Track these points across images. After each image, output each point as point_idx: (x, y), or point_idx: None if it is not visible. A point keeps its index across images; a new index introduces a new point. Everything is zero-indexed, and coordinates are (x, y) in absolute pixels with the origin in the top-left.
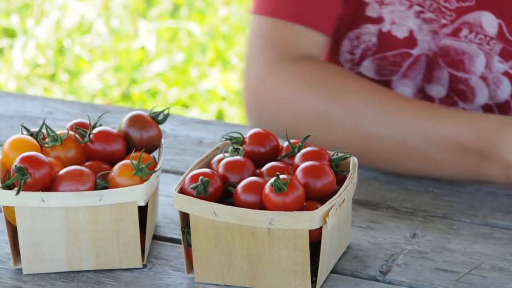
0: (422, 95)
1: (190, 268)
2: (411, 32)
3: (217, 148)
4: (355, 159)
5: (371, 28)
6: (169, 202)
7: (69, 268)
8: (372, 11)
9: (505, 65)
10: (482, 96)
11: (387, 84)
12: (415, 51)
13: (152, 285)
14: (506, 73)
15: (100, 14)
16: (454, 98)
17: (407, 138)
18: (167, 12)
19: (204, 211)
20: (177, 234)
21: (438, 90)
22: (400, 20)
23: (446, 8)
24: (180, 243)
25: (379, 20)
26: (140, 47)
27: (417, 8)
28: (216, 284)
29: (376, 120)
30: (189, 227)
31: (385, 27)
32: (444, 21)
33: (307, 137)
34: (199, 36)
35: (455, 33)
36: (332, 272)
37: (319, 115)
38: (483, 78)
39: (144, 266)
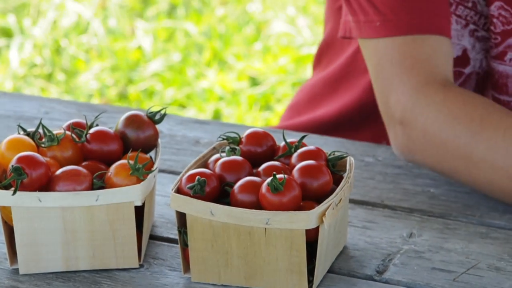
0: None
1: (186, 268)
2: (464, 51)
3: (214, 148)
4: (352, 158)
5: None
6: (166, 202)
7: (66, 268)
8: None
9: None
10: None
11: None
12: (467, 70)
13: (148, 285)
14: None
15: (96, 14)
16: None
17: None
18: (164, 12)
19: (201, 211)
20: (174, 234)
21: None
22: (455, 39)
23: (491, 32)
24: (177, 243)
25: None
26: (137, 47)
27: (472, 26)
28: (213, 284)
29: None
30: (186, 227)
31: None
32: (494, 41)
33: (304, 136)
34: (195, 36)
35: (500, 57)
36: (328, 271)
37: (466, 150)
38: None
39: (141, 266)
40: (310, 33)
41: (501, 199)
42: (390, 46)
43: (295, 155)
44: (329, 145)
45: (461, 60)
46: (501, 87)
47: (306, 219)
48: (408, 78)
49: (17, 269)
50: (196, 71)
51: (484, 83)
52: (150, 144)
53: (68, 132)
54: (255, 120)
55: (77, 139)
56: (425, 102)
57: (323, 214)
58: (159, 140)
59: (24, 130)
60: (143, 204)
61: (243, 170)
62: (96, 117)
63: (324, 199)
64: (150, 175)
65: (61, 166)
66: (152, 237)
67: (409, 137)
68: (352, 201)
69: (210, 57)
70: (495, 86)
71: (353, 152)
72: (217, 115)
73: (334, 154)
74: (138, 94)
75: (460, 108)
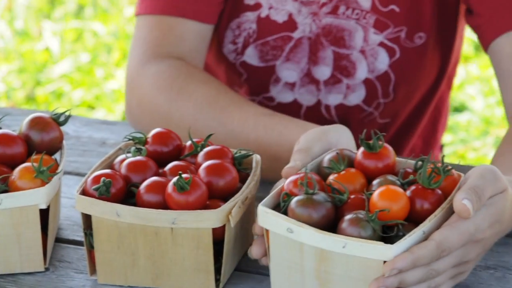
0: (308, 78)
1: (93, 270)
2: (290, 16)
3: (120, 148)
4: (258, 156)
5: (250, 16)
6: (72, 204)
7: None
8: None
9: (380, 36)
10: (362, 70)
11: (271, 69)
12: (296, 34)
13: None
14: (381, 44)
15: (3, 15)
16: (338, 76)
17: (229, 143)
18: (72, 12)
19: (107, 212)
20: (80, 236)
21: (323, 71)
22: (278, 5)
23: None
24: (83, 245)
25: (256, 6)
26: (45, 48)
27: None
28: (120, 286)
29: (206, 127)
30: (91, 229)
31: (264, 13)
32: (323, 0)
33: (209, 135)
34: (104, 37)
35: (334, 11)
36: (236, 270)
37: (164, 117)
38: (362, 52)
39: (47, 269)
40: None
41: None
42: (143, 23)
43: (201, 154)
44: None
45: (288, 25)
46: (339, 41)
47: (212, 217)
48: (140, 51)
49: None
50: (105, 71)
51: (316, 46)
52: (55, 146)
53: None
54: None
55: None
56: (143, 73)
57: (229, 212)
58: (64, 142)
59: None
60: (48, 206)
61: (149, 170)
62: None
63: (231, 198)
64: (55, 178)
65: None
66: (58, 239)
67: (131, 104)
68: (259, 198)
69: (119, 58)
70: (334, 41)
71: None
72: None
73: (240, 152)
74: (46, 96)
75: (165, 79)
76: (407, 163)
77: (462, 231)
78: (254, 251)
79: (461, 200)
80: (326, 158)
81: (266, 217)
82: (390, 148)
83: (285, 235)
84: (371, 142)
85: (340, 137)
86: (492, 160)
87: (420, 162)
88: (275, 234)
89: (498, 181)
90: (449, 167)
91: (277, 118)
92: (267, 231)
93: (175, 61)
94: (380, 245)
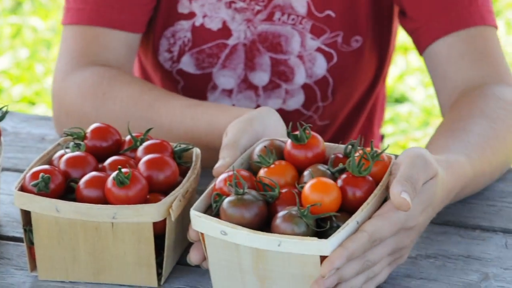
0: (246, 84)
1: (33, 266)
2: (224, 23)
3: (59, 144)
4: (198, 150)
5: (184, 24)
6: (11, 201)
7: None
8: (182, 7)
9: (317, 41)
10: (300, 74)
11: (208, 76)
12: (231, 41)
13: None
14: (319, 49)
15: None
16: (276, 81)
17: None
18: (10, 8)
19: (46, 208)
20: (19, 232)
21: (261, 77)
22: (211, 13)
23: None
24: (23, 242)
25: (191, 15)
26: None
27: None
28: (61, 281)
29: (136, 127)
30: (31, 225)
31: (198, 21)
32: (258, 8)
33: (149, 130)
34: (43, 32)
35: (269, 18)
36: (178, 263)
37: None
38: (300, 57)
39: None
40: None
41: None
42: (68, 33)
43: (140, 148)
44: None
45: (222, 32)
46: (275, 47)
47: (152, 212)
48: (65, 61)
49: None
50: (45, 67)
51: (252, 52)
52: None
53: None
54: None
55: None
56: (68, 83)
57: (170, 206)
58: (2, 138)
59: None
60: None
61: (88, 165)
62: None
63: (171, 191)
64: None
65: None
66: None
67: (59, 115)
68: (200, 192)
69: None
70: (271, 48)
71: None
72: None
73: (180, 146)
74: None
75: (89, 87)
76: (337, 148)
77: (393, 221)
78: (193, 257)
79: (399, 193)
80: (256, 150)
81: (199, 221)
82: (318, 136)
83: (220, 238)
84: (298, 133)
85: (266, 124)
86: (428, 143)
87: (350, 147)
88: (210, 236)
89: (429, 167)
90: (378, 151)
91: (203, 107)
92: (202, 233)
93: (99, 67)
94: (315, 241)
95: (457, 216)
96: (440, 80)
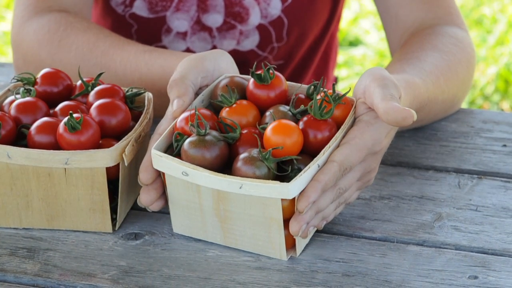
0: (199, 26)
1: None
2: None
3: (8, 90)
4: (150, 94)
5: None
6: None
7: None
8: None
9: None
10: (255, 15)
11: (161, 20)
12: None
13: None
14: None
15: None
16: (231, 22)
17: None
18: None
19: None
20: None
21: (215, 18)
22: None
23: None
24: None
25: None
26: None
27: None
28: (14, 228)
29: (90, 73)
30: None
31: None
32: None
33: (100, 74)
34: None
35: None
36: (132, 208)
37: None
38: None
39: None
40: None
41: None
42: None
43: (92, 93)
44: None
45: None
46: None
47: (105, 157)
48: (22, 7)
49: None
50: None
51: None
52: None
53: None
54: None
55: None
56: (25, 30)
57: (123, 151)
58: None
59: None
60: None
61: (39, 111)
62: None
63: (124, 136)
64: None
65: None
66: None
67: (18, 61)
68: None
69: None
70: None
71: None
72: None
73: (131, 91)
74: None
75: (45, 34)
76: (300, 88)
77: (360, 147)
78: (143, 199)
79: (400, 108)
80: (220, 86)
81: (160, 160)
82: (281, 76)
83: (180, 178)
84: (261, 73)
85: (219, 64)
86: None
87: (312, 87)
88: (171, 176)
89: (396, 87)
90: (341, 94)
91: (157, 53)
92: (163, 172)
93: (56, 14)
94: (277, 184)
95: (411, 157)
96: (392, 22)
